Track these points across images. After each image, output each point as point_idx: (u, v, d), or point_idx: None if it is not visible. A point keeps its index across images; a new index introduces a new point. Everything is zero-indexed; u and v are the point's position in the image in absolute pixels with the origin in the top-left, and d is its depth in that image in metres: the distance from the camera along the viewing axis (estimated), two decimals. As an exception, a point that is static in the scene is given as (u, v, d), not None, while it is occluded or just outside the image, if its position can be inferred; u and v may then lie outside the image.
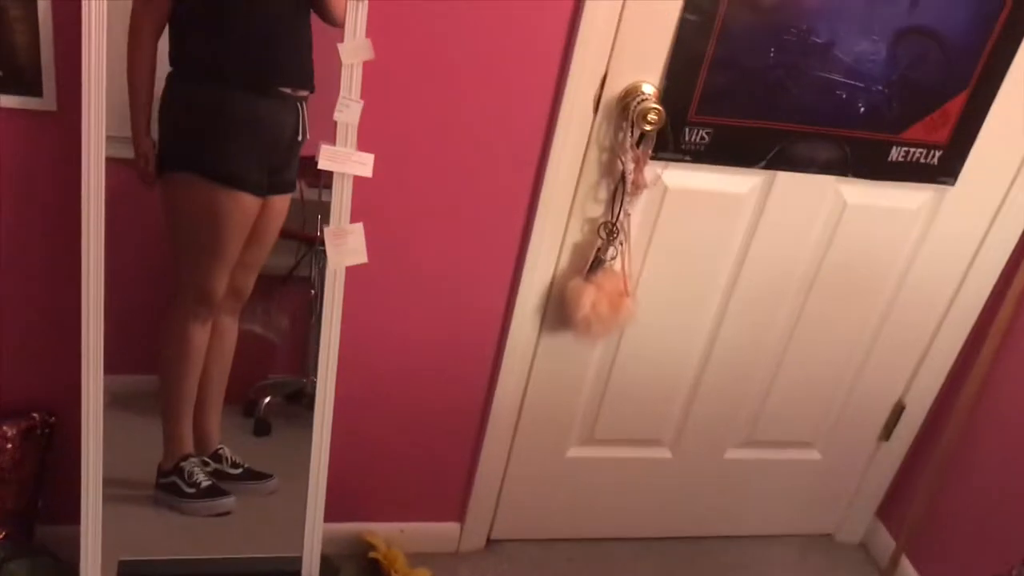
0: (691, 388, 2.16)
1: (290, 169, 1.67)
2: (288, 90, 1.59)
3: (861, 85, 1.80)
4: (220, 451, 1.86)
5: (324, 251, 1.68)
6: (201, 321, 1.74)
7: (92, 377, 1.62)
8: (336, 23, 1.52)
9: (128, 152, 1.56)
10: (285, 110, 1.58)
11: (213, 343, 1.79)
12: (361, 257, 1.66)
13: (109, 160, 1.50)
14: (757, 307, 2.06)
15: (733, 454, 2.29)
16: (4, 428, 1.75)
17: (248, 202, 1.64)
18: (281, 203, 1.69)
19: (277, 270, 1.82)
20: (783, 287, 2.05)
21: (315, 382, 1.76)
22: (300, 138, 1.59)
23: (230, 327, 1.78)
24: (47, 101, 1.51)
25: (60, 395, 1.78)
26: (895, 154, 1.90)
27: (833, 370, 2.20)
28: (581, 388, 2.09)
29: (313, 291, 1.83)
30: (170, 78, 1.54)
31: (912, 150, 1.90)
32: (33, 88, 1.49)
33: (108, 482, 1.70)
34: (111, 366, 1.64)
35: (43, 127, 1.54)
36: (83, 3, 1.40)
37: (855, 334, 2.16)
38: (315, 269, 1.80)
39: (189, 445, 1.83)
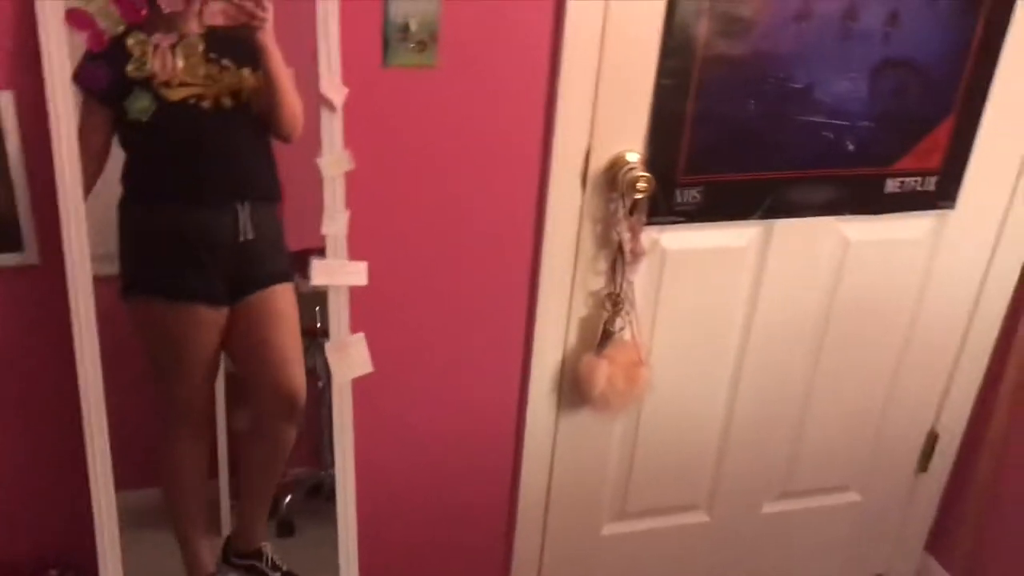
0: (719, 447, 2.11)
1: (254, 268, 1.60)
2: (221, 197, 1.55)
3: (847, 123, 1.78)
4: (262, 549, 1.80)
5: (325, 343, 1.65)
6: (188, 436, 1.70)
7: (106, 526, 1.58)
8: (287, 140, 1.53)
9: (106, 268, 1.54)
10: (218, 215, 1.54)
11: (264, 446, 1.74)
12: (366, 367, 1.63)
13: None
14: (774, 356, 2.02)
15: (771, 508, 2.23)
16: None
17: (205, 314, 1.59)
18: (262, 300, 1.63)
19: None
20: (797, 332, 2.01)
21: (333, 474, 1.72)
22: (243, 239, 1.55)
23: (283, 430, 1.71)
24: (28, 255, 1.48)
25: (75, 549, 1.73)
26: (891, 186, 1.87)
27: (860, 408, 2.15)
28: (607, 463, 2.04)
29: (320, 383, 1.78)
30: (119, 202, 1.53)
31: (907, 179, 1.88)
32: (14, 244, 1.47)
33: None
34: (124, 482, 1.61)
35: (27, 280, 1.51)
36: (55, 151, 1.39)
37: (877, 369, 2.11)
38: (319, 360, 1.75)
39: (209, 563, 1.77)
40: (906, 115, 1.81)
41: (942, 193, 1.91)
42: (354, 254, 1.57)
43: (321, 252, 1.56)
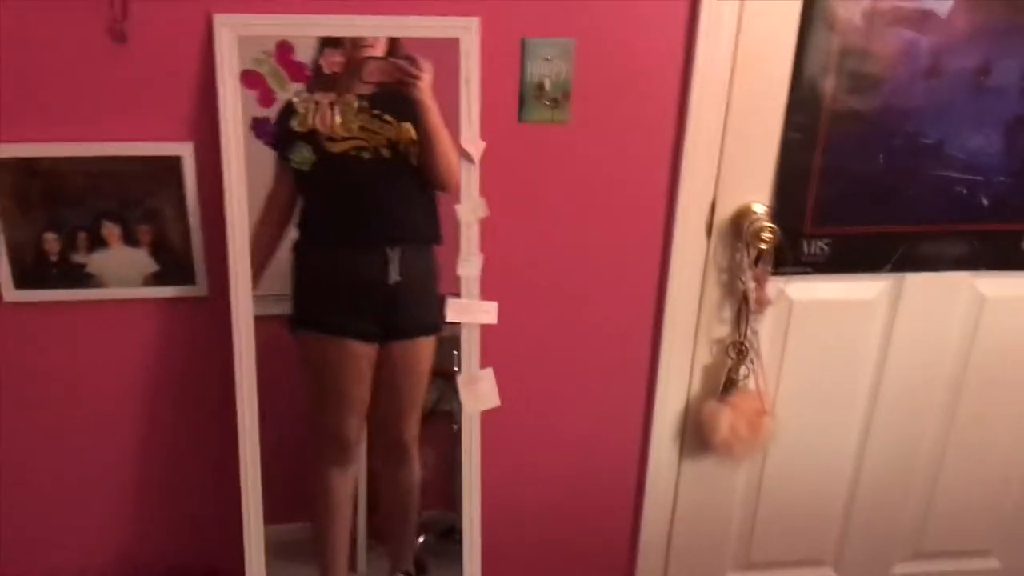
0: (847, 502, 2.09)
1: (402, 312, 1.71)
2: (373, 241, 1.67)
3: (981, 179, 1.77)
4: None
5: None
6: (338, 468, 1.79)
7: (253, 534, 1.72)
8: (444, 190, 1.64)
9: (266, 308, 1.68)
10: (371, 260, 1.66)
11: (384, 487, 1.85)
12: (494, 401, 1.72)
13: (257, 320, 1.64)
14: (905, 412, 1.99)
15: (902, 568, 2.18)
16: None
17: (356, 348, 1.71)
18: (404, 350, 1.74)
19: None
20: (931, 388, 1.98)
21: None
22: (391, 281, 1.66)
23: (401, 477, 1.83)
24: (199, 288, 1.66)
25: (223, 566, 1.88)
26: (1028, 242, 1.84)
27: (1000, 470, 2.09)
28: (731, 512, 2.05)
29: (456, 425, 1.86)
30: (292, 245, 1.67)
31: (1046, 236, 1.84)
32: (187, 278, 1.65)
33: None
34: (270, 516, 1.73)
35: (197, 310, 1.69)
36: (226, 197, 1.56)
37: (1017, 428, 2.05)
38: (455, 403, 1.84)
39: None
40: (1044, 171, 1.79)
41: (1084, 251, 1.86)
42: (486, 295, 1.68)
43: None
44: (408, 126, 1.60)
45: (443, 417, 1.88)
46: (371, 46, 1.56)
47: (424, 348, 1.74)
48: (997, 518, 2.15)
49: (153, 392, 1.74)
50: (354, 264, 1.67)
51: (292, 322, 1.70)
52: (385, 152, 1.61)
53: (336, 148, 1.60)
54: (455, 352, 1.75)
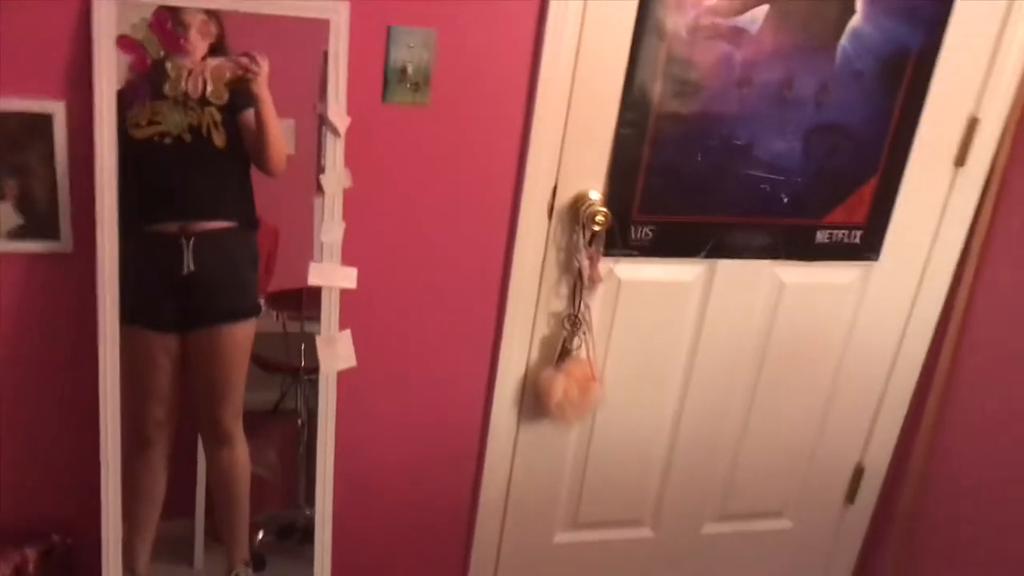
0: (664, 466, 2.31)
1: (200, 302, 1.77)
2: (173, 228, 1.72)
3: (782, 178, 2.04)
4: (237, 573, 1.96)
5: (310, 380, 1.84)
6: (138, 454, 1.82)
7: (111, 496, 1.78)
8: (272, 175, 1.73)
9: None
10: (167, 249, 1.72)
11: (211, 473, 1.92)
12: (350, 361, 1.85)
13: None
14: (716, 383, 2.24)
15: (710, 528, 2.43)
16: (26, 551, 1.87)
17: (152, 338, 1.77)
18: (209, 337, 1.79)
19: (264, 405, 1.95)
20: (737, 364, 2.24)
21: (307, 514, 1.89)
22: (185, 271, 1.72)
23: (222, 458, 1.88)
24: (64, 244, 1.71)
25: (77, 517, 1.91)
26: (821, 237, 2.12)
27: (793, 439, 2.37)
28: (562, 474, 2.24)
29: (300, 421, 1.95)
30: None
31: (835, 232, 2.13)
32: (51, 233, 1.69)
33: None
34: None
35: (61, 268, 1.73)
36: (96, 156, 1.62)
37: (809, 402, 2.33)
38: (301, 399, 1.94)
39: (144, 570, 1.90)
40: (836, 174, 2.07)
41: (866, 246, 2.16)
42: (346, 262, 1.81)
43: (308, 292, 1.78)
44: (212, 111, 1.68)
45: (287, 416, 1.96)
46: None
47: (235, 333, 1.81)
48: (788, 484, 2.42)
49: (12, 349, 1.77)
50: (151, 253, 1.73)
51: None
52: (186, 137, 1.68)
53: (140, 134, 1.66)
54: (302, 346, 1.83)
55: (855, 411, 2.38)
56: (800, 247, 2.13)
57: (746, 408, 2.29)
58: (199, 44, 1.65)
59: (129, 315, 1.72)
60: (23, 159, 1.63)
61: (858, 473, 2.45)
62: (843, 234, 2.14)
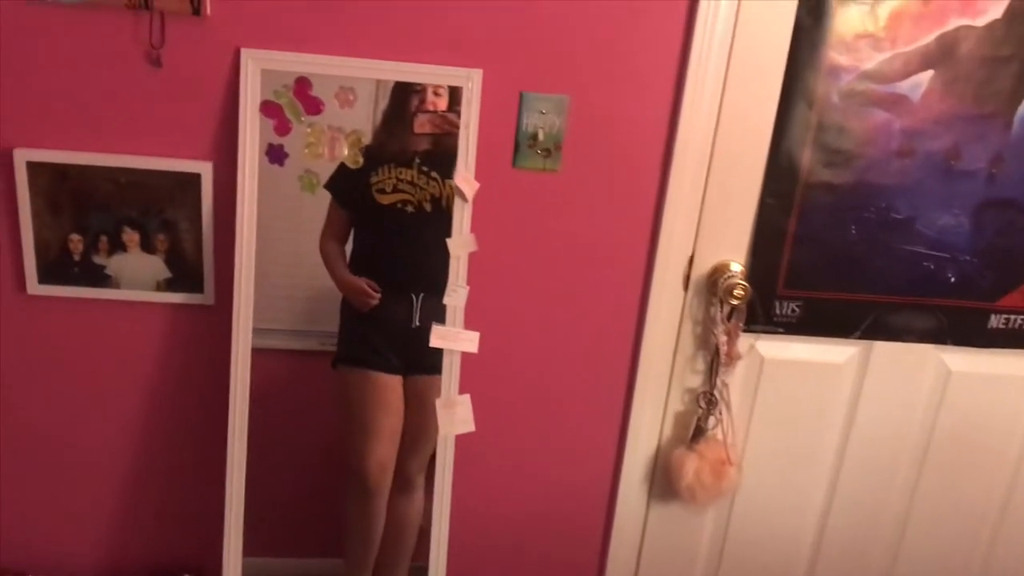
0: (809, 558, 2.14)
1: (420, 352, 1.81)
2: (405, 289, 1.80)
3: (948, 256, 1.86)
4: None
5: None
6: (362, 500, 1.88)
7: (233, 536, 1.82)
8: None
9: (267, 342, 1.79)
10: (400, 305, 1.80)
11: (387, 522, 1.93)
12: (469, 426, 1.83)
13: (257, 350, 1.77)
14: (870, 478, 2.06)
15: (863, 632, 2.22)
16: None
17: (384, 380, 1.84)
18: (424, 384, 1.85)
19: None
20: (895, 458, 2.05)
21: None
22: (414, 325, 1.80)
23: (399, 504, 1.91)
24: (206, 297, 1.79)
25: (205, 555, 1.97)
26: (995, 321, 1.93)
27: (958, 549, 2.14)
28: (696, 557, 2.12)
29: None
30: None
31: (1012, 317, 1.92)
32: (196, 287, 1.78)
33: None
34: (284, 549, 1.87)
35: (203, 319, 1.82)
36: (237, 215, 1.70)
37: (979, 509, 2.11)
38: None
39: None
40: (1011, 253, 1.87)
41: (1050, 333, 1.94)
42: (469, 326, 1.80)
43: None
44: (452, 183, 1.74)
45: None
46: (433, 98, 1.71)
47: (439, 385, 1.85)
48: (958, 590, 2.19)
49: (153, 392, 1.86)
50: (385, 307, 1.79)
51: (333, 358, 1.83)
52: (427, 207, 1.75)
53: (385, 200, 1.74)
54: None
55: (1037, 517, 2.12)
56: (970, 332, 1.94)
57: (904, 509, 2.09)
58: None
59: (355, 359, 1.83)
60: (173, 216, 1.73)
61: (1040, 587, 2.18)
62: (1021, 320, 1.92)
